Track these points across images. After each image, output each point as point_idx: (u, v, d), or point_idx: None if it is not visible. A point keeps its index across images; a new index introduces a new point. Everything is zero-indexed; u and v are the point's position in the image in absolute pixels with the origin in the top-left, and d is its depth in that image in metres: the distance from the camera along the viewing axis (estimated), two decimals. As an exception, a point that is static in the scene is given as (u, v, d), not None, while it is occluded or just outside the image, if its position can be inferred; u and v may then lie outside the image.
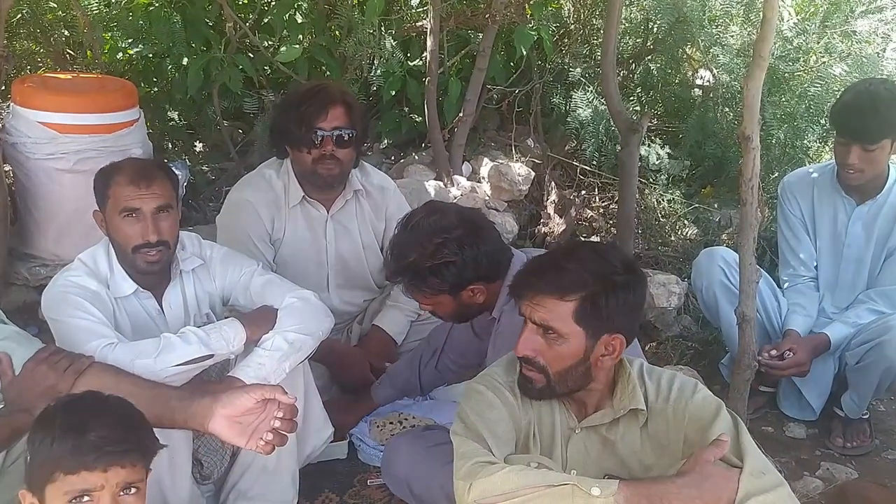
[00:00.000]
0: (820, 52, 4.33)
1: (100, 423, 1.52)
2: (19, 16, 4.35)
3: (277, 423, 1.80)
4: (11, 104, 3.39)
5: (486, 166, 4.49)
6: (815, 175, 2.97)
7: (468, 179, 4.45)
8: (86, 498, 1.49)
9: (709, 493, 1.54)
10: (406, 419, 2.82)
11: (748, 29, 4.33)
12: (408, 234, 2.23)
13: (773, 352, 2.80)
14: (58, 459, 1.49)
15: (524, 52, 4.45)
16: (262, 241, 2.79)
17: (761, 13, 2.40)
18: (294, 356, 2.17)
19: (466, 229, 2.23)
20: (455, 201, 4.16)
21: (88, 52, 4.44)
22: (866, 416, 2.97)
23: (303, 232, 2.87)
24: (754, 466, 1.61)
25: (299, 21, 4.44)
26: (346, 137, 2.71)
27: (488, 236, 2.27)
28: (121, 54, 4.58)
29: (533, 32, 4.44)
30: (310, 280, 2.83)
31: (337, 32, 4.57)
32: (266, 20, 4.50)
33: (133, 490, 1.54)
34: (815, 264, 3.03)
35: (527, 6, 4.57)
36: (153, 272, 2.21)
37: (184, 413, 1.83)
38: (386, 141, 4.85)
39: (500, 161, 4.48)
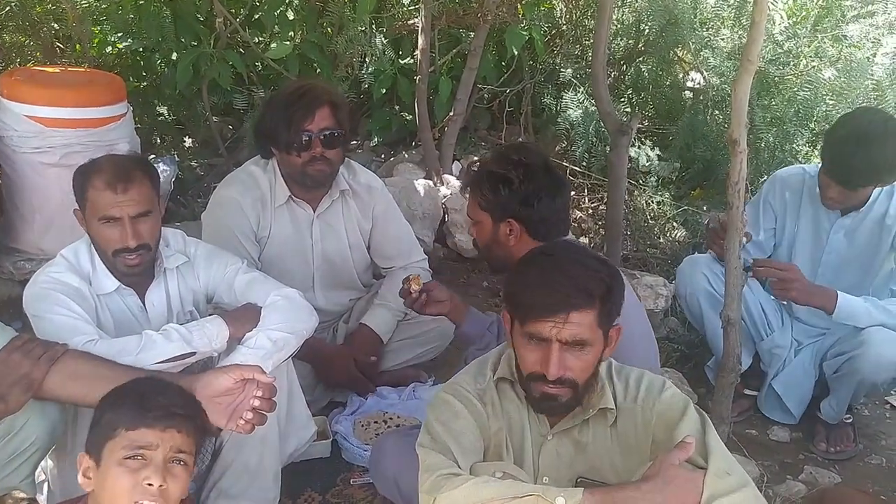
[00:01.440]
0: (810, 56, 4.35)
1: (166, 391, 1.66)
2: (8, 8, 4.33)
3: (257, 403, 1.82)
4: (-2, 97, 3.37)
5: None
6: (807, 176, 2.97)
7: (458, 178, 4.45)
8: (139, 456, 1.56)
9: (673, 497, 1.53)
10: (391, 418, 2.82)
11: (739, 32, 4.34)
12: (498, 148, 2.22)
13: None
14: (121, 416, 1.59)
15: (515, 52, 4.46)
16: (247, 239, 2.78)
17: (750, 17, 2.40)
18: (277, 354, 2.16)
19: (545, 174, 2.25)
20: (444, 201, 4.16)
21: (77, 46, 4.43)
22: (850, 421, 2.98)
23: (288, 231, 2.86)
24: (719, 467, 1.60)
25: (290, 17, 4.43)
26: (334, 137, 2.70)
27: (555, 198, 2.25)
28: (110, 48, 4.57)
29: (524, 32, 4.45)
30: (295, 279, 2.80)
31: (328, 30, 4.56)
32: (257, 16, 4.49)
33: (181, 462, 1.61)
34: (767, 255, 3.02)
35: (518, 6, 4.57)
36: (135, 274, 2.20)
37: None
38: (376, 139, 4.85)
39: (483, 157, 4.47)
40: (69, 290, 2.10)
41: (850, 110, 3.34)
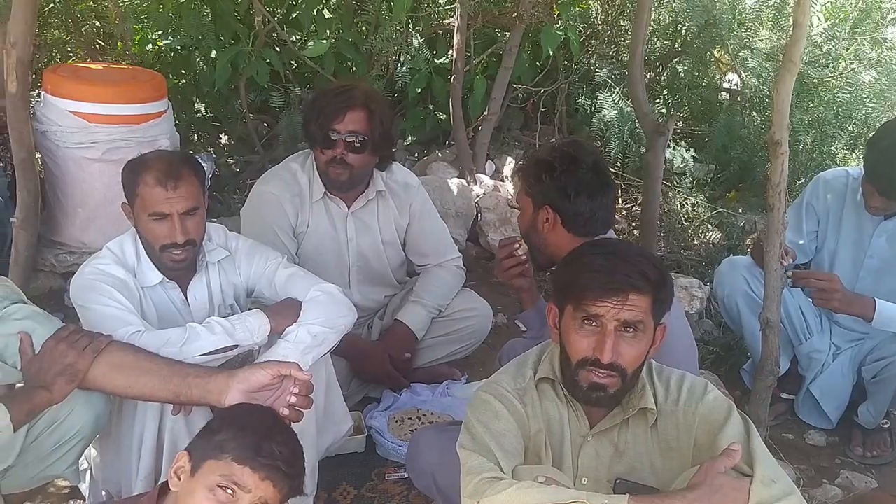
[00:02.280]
0: (849, 59, 4.30)
1: (284, 440, 1.66)
2: (51, 5, 4.41)
3: (293, 399, 1.85)
4: (42, 93, 3.43)
5: (509, 165, 4.50)
6: (850, 179, 2.94)
7: (491, 178, 4.46)
8: (229, 490, 1.59)
9: None
10: (424, 415, 2.83)
11: (778, 33, 4.30)
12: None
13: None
14: (237, 444, 1.60)
15: (551, 52, 4.45)
16: (285, 234, 2.81)
17: (792, 17, 2.39)
18: (317, 349, 2.18)
19: (591, 171, 2.25)
20: (477, 200, 4.17)
21: (119, 43, 4.50)
22: (887, 426, 2.94)
23: (325, 227, 2.88)
24: (765, 475, 1.58)
25: (327, 16, 4.47)
26: (360, 143, 2.66)
27: (595, 196, 2.24)
28: (150, 46, 4.63)
29: (560, 32, 4.44)
30: (331, 275, 2.82)
31: (364, 28, 4.59)
32: (294, 15, 4.53)
33: None
34: (809, 259, 3.00)
35: (554, 6, 4.56)
36: (179, 269, 2.24)
37: (201, 388, 1.87)
38: (410, 138, 4.87)
39: (535, 150, 4.47)
40: (115, 282, 2.14)
41: (893, 117, 3.30)
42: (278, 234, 2.78)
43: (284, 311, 2.20)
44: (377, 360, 2.92)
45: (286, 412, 1.84)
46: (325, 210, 2.87)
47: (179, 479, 1.65)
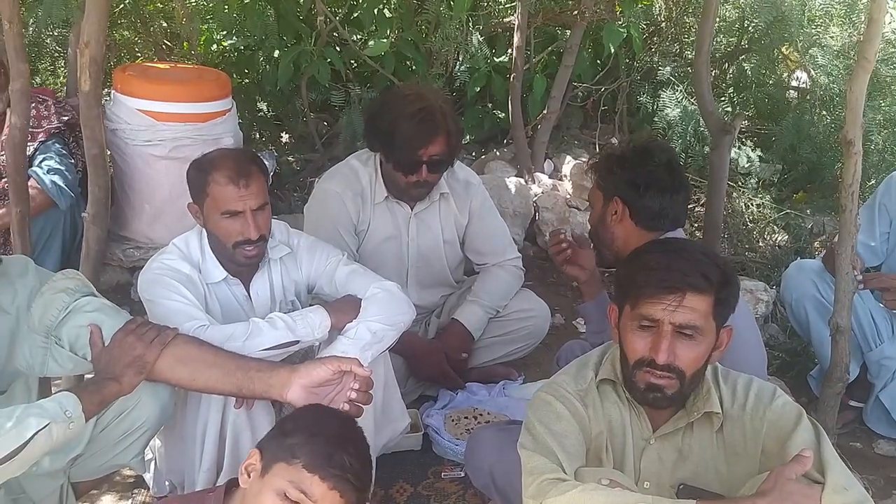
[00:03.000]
0: (925, 56, 4.15)
1: (356, 452, 1.66)
2: (121, 6, 4.53)
3: (353, 395, 1.87)
4: (112, 91, 3.53)
5: (568, 164, 4.45)
6: None
7: (550, 177, 4.42)
8: (296, 498, 1.59)
9: None
10: (481, 414, 2.82)
11: (849, 30, 4.17)
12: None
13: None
14: (310, 449, 1.61)
15: (612, 50, 4.39)
16: (347, 232, 2.83)
17: (864, 14, 2.31)
18: (376, 346, 2.20)
19: (664, 168, 2.24)
20: (535, 199, 4.14)
21: (185, 43, 4.59)
22: (960, 437, 2.84)
23: (386, 227, 2.90)
24: (837, 482, 1.53)
25: (388, 16, 4.49)
26: (442, 164, 2.74)
27: (666, 193, 2.22)
28: (215, 46, 4.72)
29: (622, 30, 4.38)
30: (389, 274, 2.81)
31: (424, 27, 4.60)
32: (356, 14, 4.56)
33: None
34: (881, 261, 2.90)
35: (617, 3, 4.50)
36: (250, 265, 2.28)
37: (263, 382, 1.89)
38: (468, 136, 4.86)
39: (583, 159, 4.42)
40: (181, 277, 2.19)
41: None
42: (340, 232, 2.81)
43: (344, 308, 2.23)
44: (434, 360, 2.92)
45: (346, 407, 1.86)
46: (387, 211, 2.89)
47: (249, 476, 1.67)
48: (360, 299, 2.26)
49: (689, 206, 4.39)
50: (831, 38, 4.20)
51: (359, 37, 4.48)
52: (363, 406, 1.90)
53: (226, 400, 2.10)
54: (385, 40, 4.28)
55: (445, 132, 2.67)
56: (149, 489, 2.41)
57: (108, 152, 3.52)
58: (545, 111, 4.45)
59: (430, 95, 2.77)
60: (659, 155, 2.27)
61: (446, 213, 2.97)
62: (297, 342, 2.12)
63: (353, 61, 4.64)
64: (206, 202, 2.20)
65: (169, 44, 4.79)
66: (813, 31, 4.23)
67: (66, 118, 3.35)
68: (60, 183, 3.24)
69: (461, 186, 2.96)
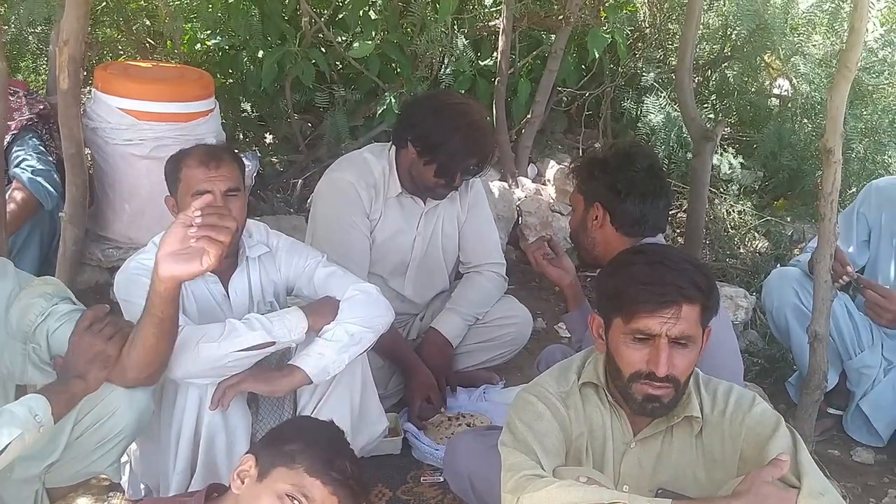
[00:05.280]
0: (906, 65, 4.18)
1: (354, 458, 1.70)
2: (103, 4, 4.49)
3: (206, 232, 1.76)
4: (93, 90, 3.50)
5: (551, 169, 4.45)
6: None
7: (533, 181, 4.42)
8: (297, 501, 1.60)
9: None
10: (462, 417, 2.81)
11: (832, 38, 4.20)
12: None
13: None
14: (310, 455, 1.62)
15: (597, 55, 4.40)
16: (362, 219, 2.83)
17: (846, 22, 2.33)
18: (354, 348, 2.18)
19: (645, 173, 2.25)
20: (518, 203, 4.14)
21: (168, 42, 4.56)
22: (938, 445, 2.85)
23: (397, 222, 2.91)
24: (812, 487, 1.55)
25: (373, 17, 4.48)
26: (477, 174, 2.87)
27: (648, 198, 2.23)
28: (199, 45, 4.69)
29: (607, 35, 4.39)
30: (389, 265, 2.91)
31: (409, 30, 4.59)
32: (341, 16, 4.55)
33: None
34: (859, 269, 2.91)
35: (601, 9, 4.52)
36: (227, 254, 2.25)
37: (152, 290, 1.82)
38: (453, 139, 4.85)
39: (567, 164, 4.43)
40: (157, 276, 2.16)
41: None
42: (354, 219, 2.81)
43: (322, 310, 2.21)
44: (423, 379, 2.88)
45: (212, 250, 1.76)
46: (399, 205, 2.90)
47: (243, 482, 1.66)
48: (338, 301, 2.24)
49: (671, 212, 4.46)
50: (814, 46, 4.23)
51: (344, 38, 4.46)
52: (222, 240, 1.78)
53: (201, 402, 2.08)
54: (370, 42, 4.27)
55: (491, 148, 2.84)
56: (124, 493, 2.38)
57: (88, 151, 3.50)
58: (529, 115, 4.45)
59: (478, 109, 2.86)
60: (641, 160, 2.27)
61: (451, 210, 3.00)
62: (274, 343, 2.10)
63: (338, 63, 4.63)
64: (179, 189, 2.19)
65: (152, 42, 4.76)
66: (795, 39, 4.26)
67: (38, 109, 3.31)
68: (45, 183, 3.19)
69: (465, 184, 2.97)
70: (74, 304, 1.99)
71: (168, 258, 1.77)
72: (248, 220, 2.37)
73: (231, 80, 4.74)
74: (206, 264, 1.77)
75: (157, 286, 1.80)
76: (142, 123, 3.32)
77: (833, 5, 4.16)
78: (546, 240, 2.49)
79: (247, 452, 1.71)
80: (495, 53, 4.41)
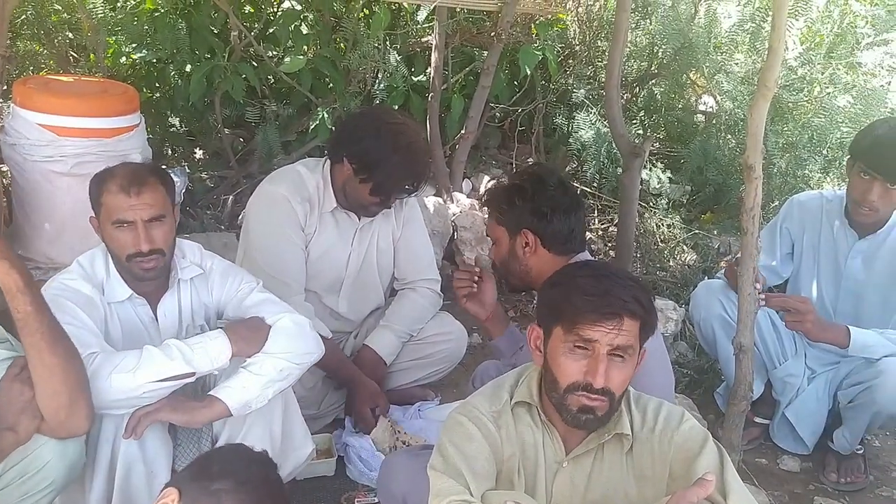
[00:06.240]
0: (824, 83, 4.34)
1: (281, 499, 1.65)
2: (24, 16, 4.34)
3: None
4: (12, 105, 3.37)
5: (486, 184, 4.48)
6: (825, 201, 2.94)
7: (468, 196, 4.44)
8: None
9: None
10: (400, 431, 2.78)
11: (753, 57, 4.33)
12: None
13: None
14: (235, 500, 1.54)
15: (528, 72, 4.45)
16: (296, 233, 2.79)
17: (767, 42, 2.39)
18: (279, 384, 2.11)
19: (559, 189, 2.28)
20: (454, 218, 4.15)
21: (91, 56, 4.43)
22: (861, 452, 2.93)
23: (331, 237, 2.87)
24: None
25: (304, 32, 4.44)
26: (412, 193, 2.87)
27: (569, 213, 2.26)
28: (124, 59, 4.57)
29: (538, 52, 4.45)
30: (324, 282, 2.88)
31: (342, 45, 4.57)
32: (271, 30, 4.50)
33: None
34: (782, 280, 3.01)
35: (532, 26, 4.57)
36: (150, 279, 2.17)
37: None
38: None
39: (501, 179, 4.47)
40: (79, 298, 2.08)
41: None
42: (289, 233, 2.77)
43: (249, 336, 2.11)
44: (370, 388, 2.86)
45: None
46: (333, 220, 2.87)
47: None
48: (269, 326, 2.15)
49: (603, 227, 4.53)
50: (736, 64, 4.36)
51: (275, 53, 4.41)
52: None
53: (116, 430, 1.99)
54: (302, 57, 4.23)
55: (427, 169, 2.80)
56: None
57: (6, 168, 3.37)
58: (463, 131, 4.48)
59: (417, 129, 2.84)
60: (550, 178, 2.31)
61: (385, 226, 2.98)
62: (193, 374, 2.01)
63: (269, 77, 4.57)
64: (101, 212, 2.11)
65: (75, 55, 4.62)
66: (719, 57, 4.38)
67: None
68: None
69: (399, 201, 2.95)
70: (12, 347, 1.87)
71: None
72: (182, 240, 2.30)
73: (158, 95, 4.64)
74: None
75: None
76: (62, 139, 3.22)
77: (754, 25, 4.29)
78: (475, 271, 2.46)
79: (169, 484, 1.63)
80: (428, 69, 4.42)
